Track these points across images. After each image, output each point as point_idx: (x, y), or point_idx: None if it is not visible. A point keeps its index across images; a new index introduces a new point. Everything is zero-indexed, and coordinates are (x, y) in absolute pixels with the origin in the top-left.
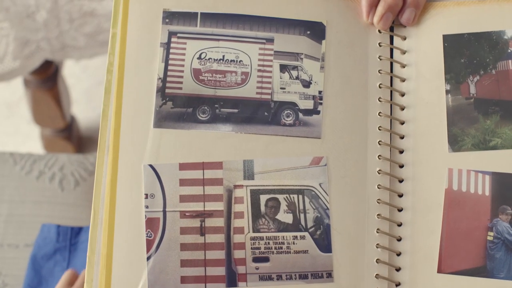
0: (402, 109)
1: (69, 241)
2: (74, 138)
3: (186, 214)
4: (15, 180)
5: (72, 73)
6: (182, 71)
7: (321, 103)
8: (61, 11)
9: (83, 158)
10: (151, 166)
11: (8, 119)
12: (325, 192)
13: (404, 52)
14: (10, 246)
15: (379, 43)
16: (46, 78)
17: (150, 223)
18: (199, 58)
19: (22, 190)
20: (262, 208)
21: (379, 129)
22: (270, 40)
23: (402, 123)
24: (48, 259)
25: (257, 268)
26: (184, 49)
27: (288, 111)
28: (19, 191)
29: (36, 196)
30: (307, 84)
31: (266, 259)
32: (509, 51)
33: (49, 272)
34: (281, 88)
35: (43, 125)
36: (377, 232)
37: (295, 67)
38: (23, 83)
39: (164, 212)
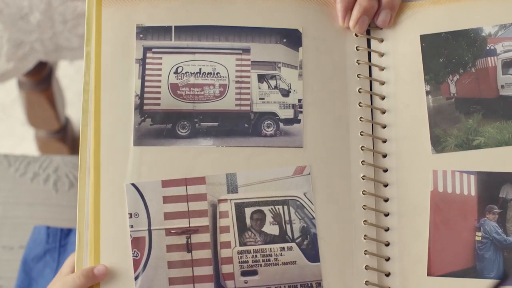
0: (383, 112)
1: (58, 242)
2: (69, 140)
3: (172, 231)
4: (9, 182)
5: (67, 75)
6: (159, 87)
7: (301, 112)
8: (55, 12)
9: (78, 160)
10: (133, 185)
11: (3, 121)
12: (310, 202)
13: (382, 55)
14: (5, 248)
15: (356, 47)
16: (40, 79)
17: (136, 242)
18: (176, 72)
19: (16, 192)
20: (248, 221)
21: (361, 134)
22: (247, 50)
23: (384, 127)
24: (38, 260)
25: (246, 282)
26: (160, 64)
27: (269, 122)
28: (13, 193)
29: (31, 198)
30: (286, 93)
31: (254, 272)
32: (487, 48)
33: (39, 273)
34: (260, 99)
35: (38, 127)
36: (365, 238)
37: (273, 76)
38: (17, 84)
39: (149, 230)
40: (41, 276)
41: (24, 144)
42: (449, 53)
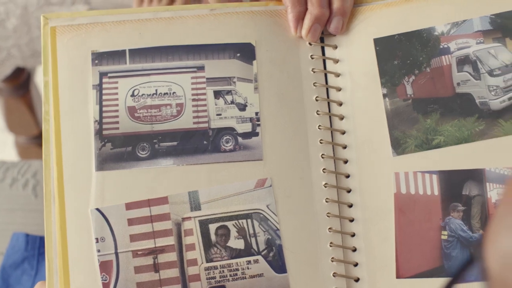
0: (342, 118)
1: (37, 250)
2: None
3: (138, 253)
4: None
5: None
6: (117, 111)
7: (259, 125)
8: (31, 17)
9: None
10: (98, 209)
11: None
12: (273, 213)
13: (336, 61)
14: None
15: (311, 56)
16: (18, 85)
17: (104, 266)
18: (132, 95)
19: None
20: (213, 237)
21: (320, 142)
22: (201, 68)
23: (343, 133)
24: (16, 267)
25: None
26: (116, 88)
27: (227, 137)
28: None
29: (10, 204)
30: (242, 107)
31: None
32: (441, 47)
33: (17, 280)
34: (218, 115)
35: (17, 133)
36: (331, 245)
37: (229, 92)
38: None
39: (116, 253)
40: (18, 283)
41: (4, 151)
42: (403, 55)
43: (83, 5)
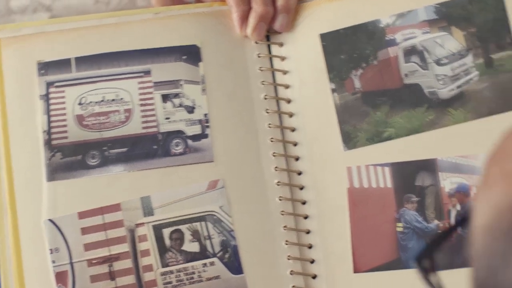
0: (291, 116)
1: None
2: None
3: (93, 261)
4: None
5: None
6: (65, 120)
7: (208, 126)
8: None
9: None
10: (51, 220)
11: None
12: (227, 214)
13: (283, 59)
14: None
15: (257, 55)
16: None
17: (60, 277)
18: (80, 103)
19: None
20: (167, 241)
21: (271, 141)
22: (148, 72)
23: (293, 130)
24: None
25: None
26: (63, 97)
27: (177, 140)
28: None
29: None
30: (191, 109)
31: None
32: (387, 39)
33: None
34: (166, 118)
35: None
36: (286, 243)
37: (176, 95)
38: None
39: (71, 264)
40: None
41: None
42: (349, 49)
43: (44, 12)
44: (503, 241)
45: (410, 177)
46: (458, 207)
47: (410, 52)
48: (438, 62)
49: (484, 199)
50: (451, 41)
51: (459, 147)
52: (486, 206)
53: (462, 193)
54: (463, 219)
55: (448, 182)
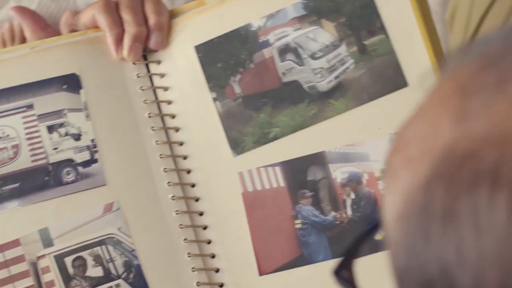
0: (177, 130)
1: None
2: None
3: None
4: None
5: None
6: None
7: (96, 151)
8: None
9: None
10: None
11: None
12: (126, 235)
13: (163, 76)
14: None
15: (136, 75)
16: None
17: None
18: None
19: None
20: (70, 270)
21: (160, 157)
22: (30, 106)
23: (181, 144)
24: None
25: None
26: None
27: (67, 169)
28: None
29: None
30: (77, 137)
31: None
32: (260, 41)
33: None
34: (54, 149)
35: None
36: (189, 256)
37: (61, 124)
38: None
39: None
40: None
41: None
42: (225, 56)
43: None
44: (418, 221)
45: (302, 173)
46: (352, 195)
47: (285, 50)
48: (313, 56)
49: (391, 191)
50: (323, 34)
51: (345, 136)
52: (394, 196)
53: (354, 181)
54: (375, 226)
55: (339, 173)
